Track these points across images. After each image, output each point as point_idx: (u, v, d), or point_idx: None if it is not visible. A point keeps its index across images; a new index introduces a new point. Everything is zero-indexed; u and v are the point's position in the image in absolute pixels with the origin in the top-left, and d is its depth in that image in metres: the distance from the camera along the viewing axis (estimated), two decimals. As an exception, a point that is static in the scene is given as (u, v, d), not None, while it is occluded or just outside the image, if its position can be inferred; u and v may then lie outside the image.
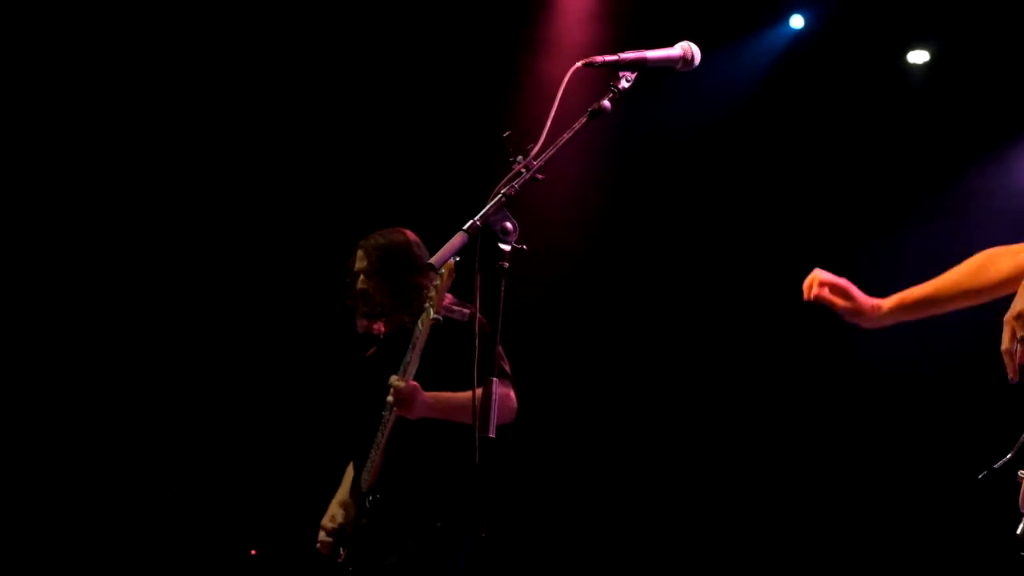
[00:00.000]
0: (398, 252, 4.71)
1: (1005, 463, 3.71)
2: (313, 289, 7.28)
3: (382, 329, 4.78)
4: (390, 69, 7.52)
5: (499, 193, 2.91)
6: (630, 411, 7.76)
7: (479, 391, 3.03)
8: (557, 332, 7.52)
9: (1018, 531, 3.54)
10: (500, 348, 4.56)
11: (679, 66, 3.21)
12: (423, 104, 7.54)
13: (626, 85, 3.10)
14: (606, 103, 3.05)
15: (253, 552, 7.15)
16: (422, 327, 4.35)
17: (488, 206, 2.89)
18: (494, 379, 3.07)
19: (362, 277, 4.73)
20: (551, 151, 2.95)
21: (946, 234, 7.62)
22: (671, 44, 3.21)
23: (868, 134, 7.69)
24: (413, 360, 4.37)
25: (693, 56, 3.21)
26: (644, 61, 3.13)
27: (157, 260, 7.45)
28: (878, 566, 7.43)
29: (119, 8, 7.08)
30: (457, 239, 2.86)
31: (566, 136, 2.97)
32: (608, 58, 3.10)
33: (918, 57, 7.73)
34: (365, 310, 4.74)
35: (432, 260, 2.88)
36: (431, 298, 4.33)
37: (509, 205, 2.92)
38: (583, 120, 3.02)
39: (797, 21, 7.71)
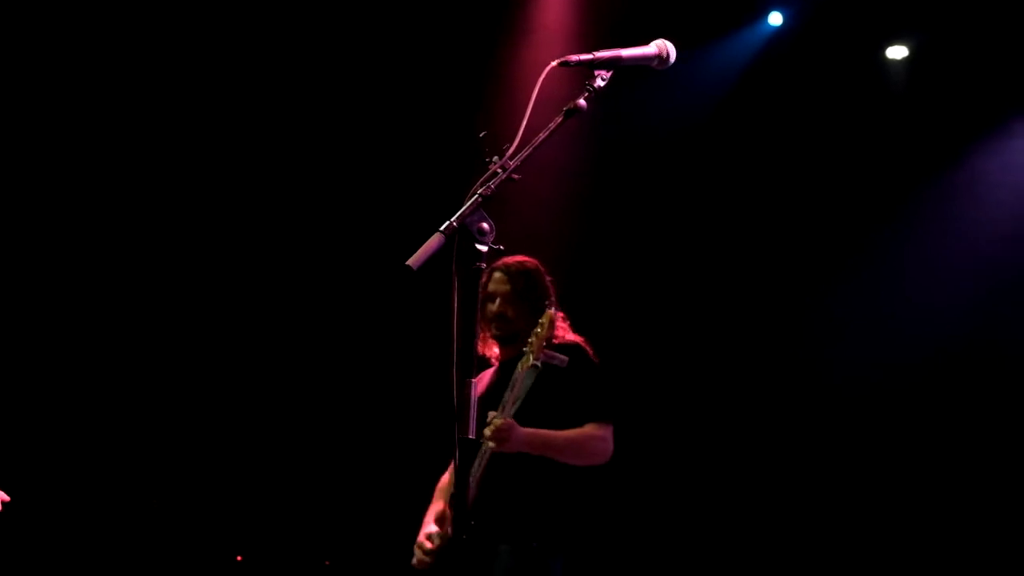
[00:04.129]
0: (540, 280, 4.76)
1: None
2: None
3: (497, 355, 4.82)
4: (366, 70, 7.52)
5: (475, 193, 2.89)
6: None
7: (462, 392, 2.98)
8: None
9: None
10: (612, 386, 4.63)
11: (655, 64, 3.20)
12: (398, 105, 7.54)
13: (601, 84, 3.08)
14: (581, 102, 3.03)
15: (239, 558, 7.13)
16: (521, 369, 4.41)
17: (464, 207, 2.87)
18: (473, 381, 3.02)
19: (500, 300, 4.73)
20: (527, 151, 2.93)
21: (928, 232, 7.63)
22: (649, 42, 3.21)
23: (848, 130, 7.70)
24: (511, 400, 4.42)
25: (668, 54, 3.20)
26: (619, 59, 3.12)
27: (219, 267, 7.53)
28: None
29: (119, 8, 7.07)
30: (434, 240, 2.83)
31: (542, 136, 2.96)
32: (583, 57, 3.08)
33: (897, 52, 7.75)
34: (499, 333, 4.75)
35: (409, 261, 2.85)
36: (531, 343, 4.41)
37: (485, 205, 2.90)
38: (559, 119, 3.00)
39: (776, 18, 7.72)
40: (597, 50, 3.11)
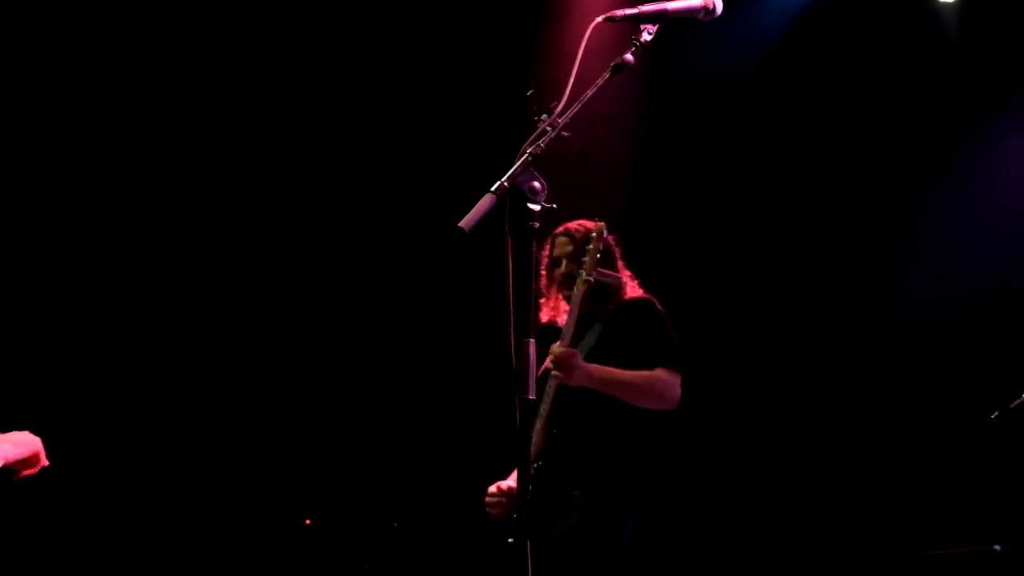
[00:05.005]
0: (600, 239, 4.77)
1: (1020, 404, 3.76)
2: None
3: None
4: (412, 30, 7.52)
5: (525, 152, 2.90)
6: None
7: (521, 352, 2.98)
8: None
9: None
10: (675, 335, 4.67)
11: (701, 16, 3.18)
12: (445, 65, 7.53)
13: (648, 38, 3.08)
14: (629, 57, 3.03)
15: (308, 522, 7.20)
16: (577, 292, 4.51)
17: (515, 166, 2.87)
18: (531, 341, 3.02)
19: (566, 262, 4.78)
20: (576, 108, 2.93)
21: (982, 185, 7.52)
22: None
23: (899, 76, 7.59)
24: (570, 324, 4.51)
25: (715, 5, 3.19)
26: (665, 13, 3.10)
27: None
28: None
29: (119, 8, 7.10)
30: (485, 201, 2.83)
31: (590, 92, 2.96)
32: (628, 12, 3.08)
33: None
34: (568, 294, 4.76)
35: (461, 224, 2.86)
36: (584, 262, 4.52)
37: (536, 164, 2.90)
38: (606, 75, 3.00)
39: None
40: (642, 4, 3.10)
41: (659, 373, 4.59)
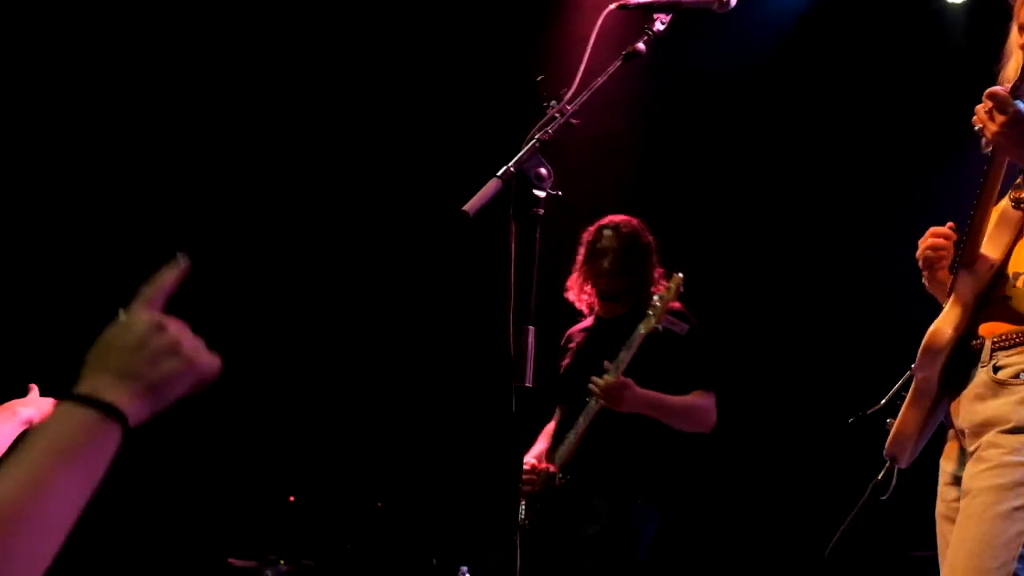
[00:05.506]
0: (647, 241, 4.82)
1: (876, 410, 3.79)
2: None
3: (598, 312, 4.89)
4: (419, 16, 7.48)
5: (533, 138, 2.87)
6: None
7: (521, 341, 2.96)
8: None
9: (879, 476, 3.61)
10: (716, 356, 4.76)
11: (715, 7, 3.16)
12: (455, 49, 7.49)
13: (661, 27, 3.05)
14: (640, 46, 3.01)
15: (292, 499, 7.19)
16: (642, 331, 4.53)
17: (522, 152, 2.85)
18: (530, 328, 3.00)
19: (611, 257, 4.79)
20: (585, 95, 2.91)
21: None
22: (708, -15, 3.16)
23: (908, 74, 7.56)
24: (625, 360, 4.53)
25: (729, -4, 3.17)
26: (679, 2, 3.09)
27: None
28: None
29: (119, 8, 7.04)
30: (491, 186, 2.81)
31: (600, 80, 2.94)
32: (642, 0, 3.05)
33: (956, -5, 7.58)
34: (606, 291, 4.79)
35: (466, 207, 2.83)
36: (656, 307, 4.56)
37: (543, 151, 2.88)
38: (617, 63, 2.98)
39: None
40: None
41: (698, 399, 4.65)
